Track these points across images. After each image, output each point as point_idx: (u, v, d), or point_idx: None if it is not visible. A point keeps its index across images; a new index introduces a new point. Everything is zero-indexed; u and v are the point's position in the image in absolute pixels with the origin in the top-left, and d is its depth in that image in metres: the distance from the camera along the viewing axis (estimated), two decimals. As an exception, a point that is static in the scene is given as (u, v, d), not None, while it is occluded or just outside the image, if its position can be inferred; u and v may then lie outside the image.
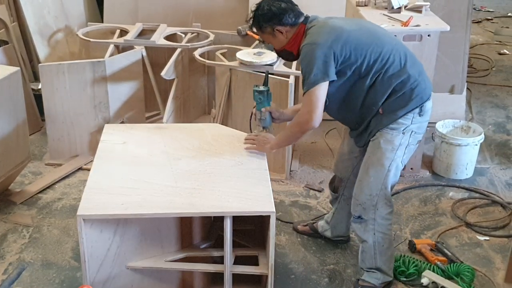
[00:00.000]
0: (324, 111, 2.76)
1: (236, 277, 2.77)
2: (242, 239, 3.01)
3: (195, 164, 2.83)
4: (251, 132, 3.15)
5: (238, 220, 2.79)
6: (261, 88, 2.98)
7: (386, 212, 2.91)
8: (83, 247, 2.52)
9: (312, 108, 2.68)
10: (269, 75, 3.14)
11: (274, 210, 2.51)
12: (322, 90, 2.66)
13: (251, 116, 3.08)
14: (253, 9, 2.83)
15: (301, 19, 2.79)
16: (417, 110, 2.76)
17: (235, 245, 2.79)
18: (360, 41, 2.70)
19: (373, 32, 2.80)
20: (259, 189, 2.63)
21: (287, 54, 2.89)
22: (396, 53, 2.74)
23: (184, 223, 2.87)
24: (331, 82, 2.69)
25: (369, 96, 2.75)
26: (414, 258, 3.20)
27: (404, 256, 3.21)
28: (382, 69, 2.71)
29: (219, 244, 2.87)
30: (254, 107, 3.02)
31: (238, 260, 2.79)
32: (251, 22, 2.84)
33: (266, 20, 2.77)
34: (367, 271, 3.01)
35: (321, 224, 3.40)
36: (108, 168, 2.80)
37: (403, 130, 2.77)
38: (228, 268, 2.68)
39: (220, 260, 2.80)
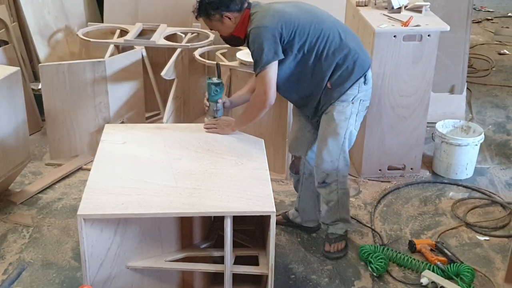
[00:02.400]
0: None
1: (236, 277, 2.77)
2: (242, 239, 3.02)
3: (195, 164, 2.83)
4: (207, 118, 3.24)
5: (238, 220, 2.79)
6: (216, 80, 3.10)
7: (345, 170, 3.18)
8: (83, 247, 2.51)
9: (267, 88, 2.89)
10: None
11: (275, 210, 2.51)
12: (273, 69, 2.87)
13: (207, 109, 3.16)
14: None
15: (246, 5, 2.93)
16: (361, 79, 3.01)
17: (235, 245, 2.80)
18: (301, 21, 2.88)
19: (312, 12, 2.97)
20: (259, 189, 2.63)
21: (234, 40, 3.02)
22: (335, 30, 2.95)
23: (184, 223, 2.87)
24: (280, 63, 2.87)
25: (315, 72, 2.96)
26: (413, 258, 3.20)
27: (403, 255, 3.21)
28: (325, 46, 2.92)
29: (219, 244, 2.88)
30: (206, 99, 3.14)
31: (238, 260, 2.79)
32: (197, 12, 2.94)
33: (214, 7, 2.89)
34: (331, 224, 3.28)
35: (291, 212, 3.52)
36: (108, 168, 2.80)
37: (352, 100, 3.01)
38: (229, 268, 2.68)
39: (220, 260, 2.81)
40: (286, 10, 2.91)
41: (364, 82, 3.03)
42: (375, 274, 3.11)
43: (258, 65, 2.86)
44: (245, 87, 3.26)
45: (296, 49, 2.90)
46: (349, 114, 3.04)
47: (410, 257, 3.20)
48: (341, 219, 3.28)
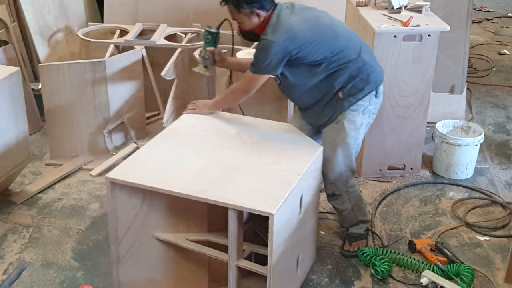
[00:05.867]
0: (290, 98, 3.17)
1: (255, 274, 2.77)
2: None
3: (236, 156, 2.86)
4: (195, 68, 3.34)
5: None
6: (212, 30, 3.17)
7: (353, 180, 3.21)
8: (109, 208, 2.73)
9: (251, 87, 3.01)
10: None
11: (273, 212, 2.49)
12: (264, 78, 2.98)
13: (200, 56, 3.27)
14: None
15: (273, 6, 2.94)
16: (373, 92, 3.06)
17: (260, 242, 2.92)
18: (315, 36, 2.89)
19: (328, 26, 2.99)
20: (273, 190, 2.61)
21: (252, 36, 3.03)
22: (351, 44, 2.99)
23: (213, 209, 2.86)
24: (291, 68, 2.94)
25: (327, 82, 2.99)
26: (413, 258, 3.20)
27: (404, 255, 3.21)
28: (339, 59, 2.95)
29: (252, 241, 2.95)
30: (202, 46, 3.24)
31: (258, 257, 2.84)
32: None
33: (248, 2, 2.87)
34: (351, 226, 3.30)
35: None
36: (157, 147, 2.94)
37: (362, 110, 3.06)
38: (233, 262, 2.70)
39: (247, 256, 2.83)
40: (302, 27, 2.88)
41: (376, 95, 3.07)
42: (379, 277, 3.10)
43: (256, 68, 2.93)
44: (247, 59, 3.31)
45: (308, 61, 2.93)
46: (359, 125, 3.07)
47: (411, 258, 3.20)
48: (360, 221, 3.31)
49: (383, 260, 3.13)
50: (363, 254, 3.22)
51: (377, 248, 3.26)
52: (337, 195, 3.20)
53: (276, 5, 2.94)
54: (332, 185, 3.16)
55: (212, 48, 3.20)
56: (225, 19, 3.12)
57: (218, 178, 2.69)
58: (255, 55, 2.93)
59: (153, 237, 2.88)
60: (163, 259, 2.95)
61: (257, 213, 2.53)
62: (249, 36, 3.04)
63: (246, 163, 2.82)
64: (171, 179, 2.67)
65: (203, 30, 3.25)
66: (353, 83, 2.99)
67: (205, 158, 2.84)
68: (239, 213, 2.59)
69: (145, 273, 2.95)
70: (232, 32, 3.23)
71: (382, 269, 3.09)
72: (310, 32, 2.89)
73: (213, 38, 3.17)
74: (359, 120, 3.06)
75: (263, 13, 2.90)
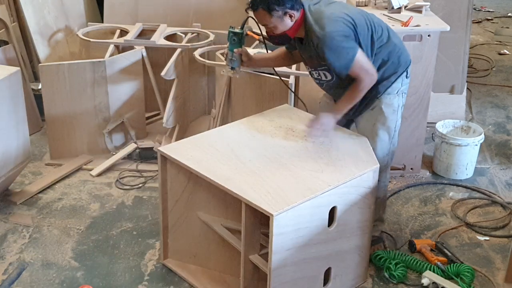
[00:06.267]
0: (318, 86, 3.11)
1: None
2: None
3: (289, 156, 2.88)
4: (223, 71, 3.25)
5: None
6: (237, 30, 3.09)
7: (391, 165, 3.24)
8: (159, 179, 2.98)
9: (368, 70, 2.89)
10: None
11: (274, 214, 2.47)
12: (362, 56, 2.87)
13: (225, 58, 3.18)
14: None
15: (301, 5, 2.88)
16: (404, 73, 3.06)
17: None
18: (360, 21, 2.89)
19: (361, 11, 3.00)
20: (293, 195, 2.59)
21: (283, 39, 2.95)
22: (383, 27, 3.00)
23: None
24: None
25: None
26: (413, 258, 3.19)
27: (405, 255, 3.20)
28: (375, 43, 2.94)
29: None
30: (226, 47, 3.15)
31: None
32: (257, 3, 2.80)
33: (280, 3, 2.78)
34: None
35: None
36: (222, 135, 3.06)
37: (396, 92, 3.07)
38: (245, 255, 2.74)
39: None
40: (344, 15, 2.85)
41: (406, 76, 3.08)
42: (394, 282, 3.08)
43: (346, 67, 2.85)
44: (273, 53, 3.27)
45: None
46: (396, 107, 3.08)
47: (423, 262, 3.16)
48: (379, 218, 3.32)
49: (399, 265, 3.10)
50: (376, 256, 3.18)
51: (390, 252, 3.21)
52: (379, 180, 3.09)
53: (302, 4, 2.87)
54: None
55: (239, 49, 3.12)
56: (249, 17, 3.02)
57: (251, 173, 2.73)
58: (331, 59, 2.83)
59: (197, 215, 3.01)
60: (204, 239, 3.06)
61: (260, 210, 2.53)
62: (280, 40, 2.96)
63: (292, 164, 2.81)
64: (210, 164, 2.79)
65: (226, 31, 3.16)
66: (386, 67, 2.99)
67: (257, 152, 2.90)
68: (251, 207, 2.58)
69: (189, 248, 3.12)
70: (261, 32, 3.10)
71: (399, 273, 3.07)
72: (351, 18, 2.85)
73: (239, 39, 3.09)
74: (396, 102, 3.07)
75: (295, 14, 2.83)
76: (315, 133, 3.00)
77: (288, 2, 2.79)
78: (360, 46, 2.88)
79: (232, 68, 3.17)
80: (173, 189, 3.01)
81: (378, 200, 3.20)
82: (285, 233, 2.57)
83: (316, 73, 3.06)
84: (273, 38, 2.97)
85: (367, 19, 2.95)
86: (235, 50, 3.11)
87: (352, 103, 3.01)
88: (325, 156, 2.90)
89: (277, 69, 3.95)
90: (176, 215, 3.08)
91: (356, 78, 2.92)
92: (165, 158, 2.92)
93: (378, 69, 2.98)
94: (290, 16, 2.83)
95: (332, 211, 2.75)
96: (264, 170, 2.76)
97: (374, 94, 3.04)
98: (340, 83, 3.01)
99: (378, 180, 3.06)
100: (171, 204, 3.05)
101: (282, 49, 3.23)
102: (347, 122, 3.23)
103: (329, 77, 3.03)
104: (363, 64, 2.89)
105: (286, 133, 3.08)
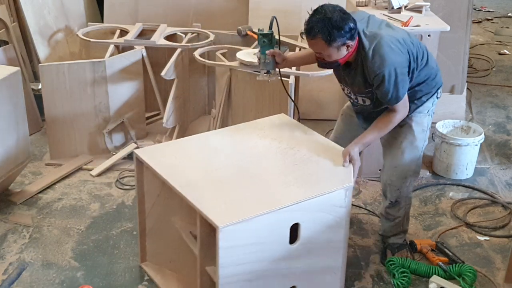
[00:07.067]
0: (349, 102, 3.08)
1: None
2: None
3: (264, 168, 2.78)
4: (258, 76, 3.14)
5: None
6: (266, 31, 3.01)
7: (414, 185, 3.21)
8: (136, 181, 2.96)
9: (406, 105, 2.88)
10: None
11: (220, 226, 2.35)
12: (406, 97, 2.86)
13: (259, 62, 3.08)
14: (320, 17, 2.63)
15: (357, 32, 2.73)
16: (435, 94, 3.04)
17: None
18: (409, 47, 2.82)
19: (406, 34, 2.89)
20: (250, 208, 2.47)
21: (331, 65, 2.83)
22: (423, 49, 2.94)
23: None
24: None
25: None
26: (425, 265, 3.15)
27: (417, 263, 3.16)
28: (417, 66, 2.89)
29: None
30: (258, 51, 3.06)
31: None
32: (318, 32, 2.63)
33: (341, 35, 2.64)
34: (394, 235, 3.27)
35: None
36: (205, 141, 3.02)
37: (427, 112, 3.03)
38: (199, 266, 2.69)
39: None
40: (405, 39, 2.80)
41: (437, 96, 3.05)
42: None
43: (396, 99, 2.80)
44: (305, 51, 3.21)
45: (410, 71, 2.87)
46: (426, 126, 3.03)
47: (434, 267, 3.14)
48: (404, 231, 3.29)
49: (403, 274, 3.07)
50: (388, 262, 3.15)
51: (404, 259, 3.17)
52: (398, 202, 3.13)
53: (358, 31, 2.74)
54: (397, 191, 3.09)
55: (271, 50, 3.01)
56: (274, 17, 2.95)
57: (217, 182, 2.66)
58: (384, 89, 2.74)
59: (171, 220, 2.96)
60: (179, 244, 2.94)
61: (208, 221, 2.42)
62: (327, 65, 2.85)
63: (261, 176, 2.71)
64: (179, 169, 2.73)
65: (257, 35, 3.06)
66: (420, 88, 2.95)
67: (231, 161, 2.81)
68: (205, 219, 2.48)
69: (166, 252, 3.06)
70: (279, 33, 3.03)
71: (400, 282, 3.03)
72: (403, 43, 2.79)
73: (269, 40, 3.00)
74: (426, 122, 3.02)
75: (352, 44, 2.71)
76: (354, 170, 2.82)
77: (348, 33, 2.65)
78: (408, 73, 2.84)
79: (267, 72, 3.06)
80: (149, 192, 2.97)
81: (398, 220, 3.22)
82: (235, 247, 2.44)
83: (354, 96, 2.98)
84: (323, 63, 2.84)
85: (413, 41, 2.87)
86: (267, 52, 3.01)
87: (381, 134, 2.95)
88: (300, 170, 2.76)
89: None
90: (153, 218, 3.03)
91: (392, 109, 2.86)
92: (139, 161, 2.88)
93: (413, 88, 2.93)
94: (347, 46, 2.70)
95: (297, 228, 2.61)
96: (230, 181, 2.67)
97: None
98: (375, 108, 2.95)
99: (399, 202, 3.13)
100: (148, 207, 3.01)
101: (307, 49, 3.13)
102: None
103: (368, 103, 2.95)
104: (405, 102, 2.86)
105: (269, 144, 2.97)
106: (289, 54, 3.22)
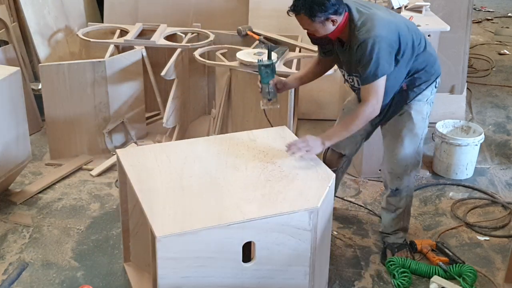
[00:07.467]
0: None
1: None
2: None
3: (233, 180, 2.69)
4: (261, 105, 3.15)
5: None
6: (267, 62, 3.05)
7: (415, 175, 3.20)
8: (119, 180, 2.98)
9: (379, 98, 2.82)
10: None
11: (158, 235, 2.31)
12: (384, 80, 2.81)
13: (261, 91, 3.11)
14: None
15: (345, 7, 2.79)
16: (434, 83, 3.04)
17: None
18: (403, 31, 2.83)
19: (403, 19, 2.94)
20: (198, 219, 2.42)
21: (323, 41, 2.88)
22: (421, 36, 2.95)
23: None
24: None
25: (396, 75, 2.91)
26: (425, 265, 3.15)
27: (417, 263, 3.16)
28: (414, 52, 2.90)
29: None
30: (259, 81, 3.09)
31: None
32: (299, 8, 2.72)
33: (322, 10, 2.70)
34: (392, 234, 3.29)
35: None
36: (189, 147, 2.96)
37: (426, 100, 3.03)
38: (154, 275, 2.59)
39: None
40: (390, 18, 2.81)
41: (435, 86, 3.05)
42: None
43: (374, 75, 2.76)
44: (302, 70, 3.23)
45: (397, 59, 2.84)
46: (425, 114, 3.04)
47: (434, 267, 3.14)
48: (403, 228, 3.30)
49: (404, 274, 3.07)
50: (388, 262, 3.15)
51: (404, 259, 3.17)
52: (399, 190, 3.16)
53: (347, 6, 2.78)
54: (397, 179, 3.13)
55: (273, 79, 3.07)
56: (270, 45, 3.00)
57: (180, 190, 2.60)
58: (364, 62, 2.74)
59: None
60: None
61: (151, 229, 2.37)
62: (319, 41, 2.89)
63: (228, 189, 2.62)
64: (149, 174, 2.71)
65: (256, 62, 3.09)
66: (419, 75, 2.96)
67: (205, 171, 2.74)
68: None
69: (145, 255, 2.88)
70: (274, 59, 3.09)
71: (400, 282, 3.04)
72: (396, 24, 2.81)
73: (271, 70, 3.04)
74: (425, 110, 3.03)
75: (338, 18, 2.74)
76: (294, 149, 2.83)
77: (331, 8, 2.70)
78: (396, 59, 2.81)
79: (269, 100, 3.10)
80: (131, 193, 2.82)
81: (399, 211, 3.23)
82: (177, 259, 2.37)
83: (350, 78, 2.97)
84: (314, 40, 2.89)
85: (409, 26, 2.90)
86: (270, 82, 3.05)
87: (346, 133, 2.90)
88: (270, 187, 2.63)
89: (277, 68, 3.96)
90: (135, 219, 2.98)
91: (364, 99, 2.83)
92: (121, 162, 2.86)
93: (412, 75, 2.95)
94: (332, 21, 2.75)
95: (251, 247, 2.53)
96: (193, 190, 2.60)
97: (403, 100, 2.99)
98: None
99: (400, 191, 3.15)
100: (130, 207, 2.98)
101: (310, 64, 3.17)
102: (372, 129, 3.19)
103: (357, 85, 2.95)
104: (380, 89, 2.80)
105: (253, 156, 2.87)
106: (287, 79, 3.22)
